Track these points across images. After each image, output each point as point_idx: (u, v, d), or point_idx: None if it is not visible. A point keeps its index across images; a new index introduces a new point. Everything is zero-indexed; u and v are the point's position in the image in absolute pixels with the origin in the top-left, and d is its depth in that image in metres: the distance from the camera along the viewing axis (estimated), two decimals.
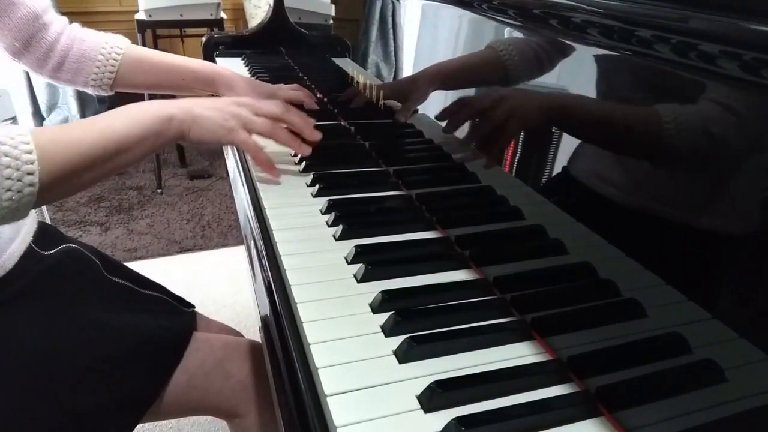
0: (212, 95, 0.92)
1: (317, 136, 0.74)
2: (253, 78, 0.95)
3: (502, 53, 0.54)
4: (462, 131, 0.67)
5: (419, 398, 0.39)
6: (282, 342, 0.49)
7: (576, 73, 0.49)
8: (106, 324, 0.70)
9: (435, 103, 0.76)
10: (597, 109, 0.47)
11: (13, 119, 2.22)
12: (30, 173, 0.50)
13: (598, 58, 0.46)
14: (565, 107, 0.50)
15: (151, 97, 0.98)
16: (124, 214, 2.31)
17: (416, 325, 0.46)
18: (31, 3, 0.79)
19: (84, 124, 0.58)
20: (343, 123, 0.97)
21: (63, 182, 0.54)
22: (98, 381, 0.65)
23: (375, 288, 0.51)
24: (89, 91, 0.89)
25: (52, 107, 2.85)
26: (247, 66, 1.35)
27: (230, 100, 0.69)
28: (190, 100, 0.65)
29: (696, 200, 0.38)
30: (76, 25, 0.88)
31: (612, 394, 0.39)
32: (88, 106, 2.90)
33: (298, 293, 0.50)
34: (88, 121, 0.58)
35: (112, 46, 0.87)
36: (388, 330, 0.46)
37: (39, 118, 2.89)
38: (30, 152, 0.50)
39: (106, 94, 0.91)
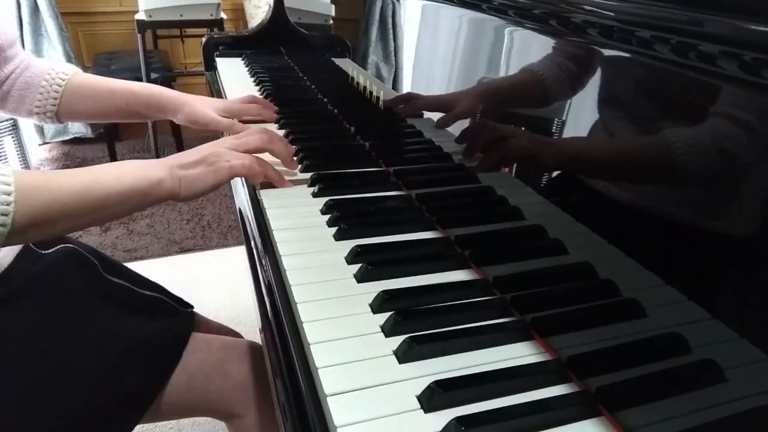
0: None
1: (295, 167, 0.74)
2: (205, 97, 0.91)
3: (540, 74, 0.54)
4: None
5: (419, 398, 0.39)
6: (282, 342, 0.49)
7: (597, 81, 0.49)
8: (105, 324, 0.70)
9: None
10: (601, 150, 0.47)
11: (14, 119, 2.21)
12: (4, 214, 0.49)
13: (616, 65, 0.46)
14: (577, 155, 0.50)
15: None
16: None
17: (416, 325, 0.46)
18: None
19: (70, 173, 0.57)
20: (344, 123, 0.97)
21: (36, 227, 0.53)
22: (97, 382, 0.65)
23: (375, 288, 0.51)
24: (34, 120, 0.87)
25: None
26: (247, 66, 1.35)
27: (209, 144, 0.68)
28: (176, 158, 0.64)
29: (696, 201, 0.38)
30: (31, 56, 0.86)
31: (612, 394, 0.39)
32: None
33: (298, 293, 0.50)
34: (76, 171, 0.58)
35: (57, 73, 0.84)
36: (388, 330, 0.46)
37: None
38: (9, 194, 0.50)
39: (53, 124, 0.89)
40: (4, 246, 0.53)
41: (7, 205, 0.50)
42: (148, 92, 0.89)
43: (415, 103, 0.81)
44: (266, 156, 0.71)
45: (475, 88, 0.65)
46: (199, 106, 0.90)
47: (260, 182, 0.70)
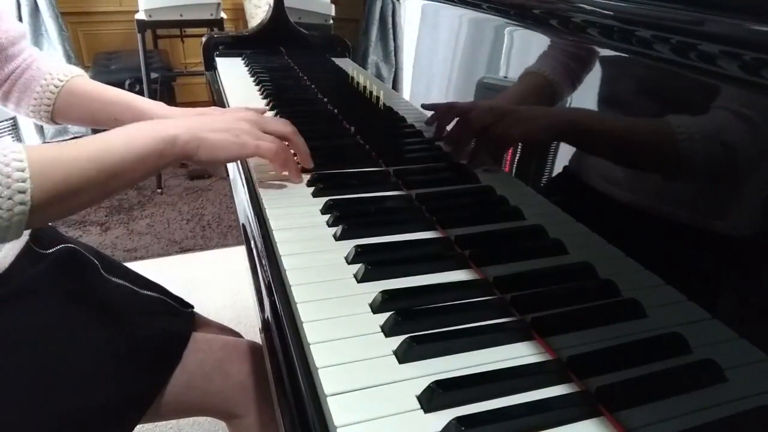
0: None
1: (311, 164, 0.73)
2: (186, 111, 0.84)
3: (548, 75, 0.53)
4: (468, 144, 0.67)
5: (419, 398, 0.39)
6: (282, 342, 0.49)
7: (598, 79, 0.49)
8: (105, 325, 0.70)
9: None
10: (605, 123, 0.46)
11: (14, 118, 2.21)
12: (21, 191, 0.49)
13: (613, 62, 0.46)
14: (575, 123, 0.50)
15: None
16: (124, 214, 2.31)
17: (416, 325, 0.46)
18: None
19: (82, 143, 0.56)
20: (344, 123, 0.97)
21: (58, 202, 0.52)
22: (97, 382, 0.65)
23: (375, 288, 0.51)
24: (35, 120, 0.86)
25: None
26: (247, 66, 1.35)
27: (234, 116, 0.67)
28: (193, 119, 0.63)
29: (696, 201, 0.38)
30: (39, 54, 0.84)
31: (612, 394, 0.39)
32: None
33: (298, 293, 0.50)
34: (86, 139, 0.57)
35: (54, 77, 0.82)
36: (388, 330, 0.46)
37: None
38: (23, 170, 0.49)
39: (50, 125, 0.88)
40: (30, 227, 0.52)
41: (23, 182, 0.49)
42: (135, 110, 0.83)
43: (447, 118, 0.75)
44: None
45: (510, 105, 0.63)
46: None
47: (278, 172, 0.70)
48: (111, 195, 0.61)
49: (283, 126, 0.70)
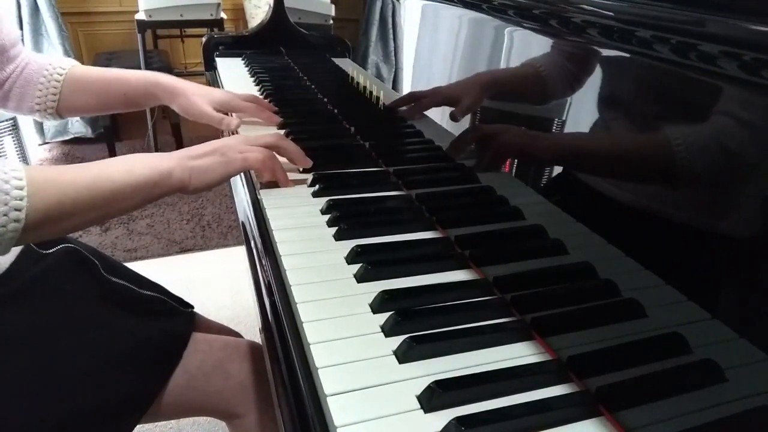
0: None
1: (309, 163, 0.74)
2: (203, 86, 0.90)
3: (541, 69, 0.54)
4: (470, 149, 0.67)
5: (419, 398, 0.39)
6: (282, 342, 0.49)
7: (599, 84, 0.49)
8: (105, 325, 0.70)
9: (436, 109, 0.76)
10: (603, 146, 0.47)
11: (14, 119, 2.22)
12: (17, 209, 0.50)
13: (615, 65, 0.46)
14: (574, 149, 0.50)
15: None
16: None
17: (416, 325, 0.46)
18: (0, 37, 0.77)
19: (80, 167, 0.57)
20: (344, 123, 0.97)
21: (50, 222, 0.53)
22: (97, 382, 0.65)
23: (375, 288, 0.51)
24: (37, 117, 0.86)
25: None
26: (247, 66, 1.35)
27: (220, 140, 0.69)
28: (185, 151, 0.65)
29: (696, 201, 0.38)
30: (32, 53, 0.85)
31: (612, 394, 0.39)
32: None
33: (298, 293, 0.50)
34: (85, 165, 0.58)
35: (54, 68, 0.83)
36: (388, 330, 0.46)
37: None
38: (21, 188, 0.50)
39: (55, 121, 0.89)
40: (19, 244, 0.53)
41: (20, 200, 0.50)
42: (143, 82, 0.88)
43: (419, 103, 0.80)
44: None
45: (478, 78, 0.64)
46: (193, 97, 0.88)
47: (264, 180, 0.70)
48: (103, 221, 0.62)
49: (270, 137, 0.71)
